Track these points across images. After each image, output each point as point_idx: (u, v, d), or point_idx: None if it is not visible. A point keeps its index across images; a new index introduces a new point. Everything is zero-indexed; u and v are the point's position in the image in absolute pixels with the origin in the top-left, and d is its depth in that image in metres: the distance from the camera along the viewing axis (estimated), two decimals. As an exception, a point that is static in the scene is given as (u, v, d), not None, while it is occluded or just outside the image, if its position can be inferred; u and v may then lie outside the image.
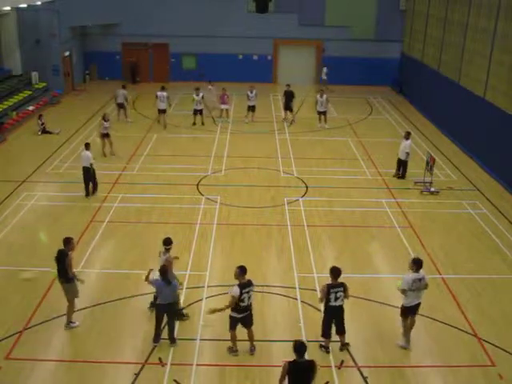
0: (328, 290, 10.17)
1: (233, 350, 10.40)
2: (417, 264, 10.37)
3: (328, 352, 10.46)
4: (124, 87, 25.06)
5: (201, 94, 24.38)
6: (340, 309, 10.35)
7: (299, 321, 11.35)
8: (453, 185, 18.91)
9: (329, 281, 10.35)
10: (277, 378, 9.65)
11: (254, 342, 10.46)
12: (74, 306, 11.00)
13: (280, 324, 11.23)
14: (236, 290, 9.83)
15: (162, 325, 10.55)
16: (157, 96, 24.01)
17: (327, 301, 10.23)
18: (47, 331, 10.90)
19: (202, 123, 24.75)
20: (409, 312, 10.50)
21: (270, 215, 16.23)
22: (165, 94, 23.90)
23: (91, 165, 16.92)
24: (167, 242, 11.15)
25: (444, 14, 26.09)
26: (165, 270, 10.31)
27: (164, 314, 10.45)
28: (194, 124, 24.69)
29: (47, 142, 22.27)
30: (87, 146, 17.16)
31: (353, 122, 26.36)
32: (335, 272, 10.28)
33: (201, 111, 24.56)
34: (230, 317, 10.18)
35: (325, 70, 32.32)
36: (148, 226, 15.37)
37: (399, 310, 10.67)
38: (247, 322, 10.28)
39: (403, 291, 10.35)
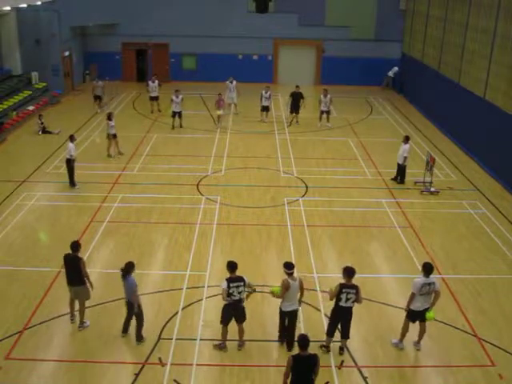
0: (340, 290, 10.09)
1: (221, 347, 10.41)
2: (426, 269, 10.29)
3: (328, 351, 10.47)
4: (100, 79, 26.83)
5: (180, 97, 23.81)
6: (349, 311, 10.27)
7: (299, 321, 11.34)
8: (453, 185, 18.91)
9: (340, 280, 10.33)
10: (277, 378, 9.71)
11: (247, 342, 10.54)
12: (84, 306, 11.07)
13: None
14: (224, 284, 10.08)
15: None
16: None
17: (337, 300, 10.18)
18: (47, 331, 10.91)
19: (181, 125, 24.39)
20: (415, 316, 10.42)
21: (270, 215, 16.23)
22: (156, 82, 26.37)
23: (71, 156, 17.51)
24: (290, 266, 10.15)
25: (444, 14, 26.09)
26: (127, 266, 10.27)
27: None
28: (173, 128, 24.15)
29: (47, 142, 22.28)
30: (71, 138, 17.76)
31: (353, 122, 26.36)
32: (348, 272, 10.15)
33: (179, 113, 24.14)
34: (223, 308, 10.26)
35: (396, 69, 32.72)
36: (148, 226, 15.38)
37: (405, 313, 10.56)
38: (239, 316, 10.32)
39: (412, 295, 10.27)
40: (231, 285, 10.03)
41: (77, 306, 11.05)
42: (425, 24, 29.04)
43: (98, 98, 26.65)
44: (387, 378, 9.96)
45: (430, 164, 18.12)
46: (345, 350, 10.56)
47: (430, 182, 18.18)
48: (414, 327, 10.63)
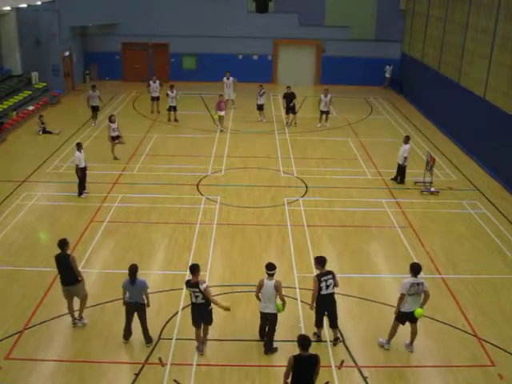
0: (319, 280, 10.35)
1: (198, 349, 10.42)
2: (413, 269, 10.29)
3: (319, 340, 10.60)
4: (95, 87, 24.52)
5: (175, 92, 24.88)
6: (332, 297, 10.47)
7: (299, 321, 11.36)
8: (453, 185, 18.91)
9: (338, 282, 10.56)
10: (277, 377, 9.71)
11: (207, 342, 10.56)
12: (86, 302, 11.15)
13: (280, 324, 11.17)
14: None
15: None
16: (149, 85, 26.35)
17: (319, 290, 10.39)
18: (47, 331, 10.91)
19: (176, 119, 25.34)
20: (404, 318, 10.43)
21: (269, 215, 16.23)
22: (157, 82, 26.31)
23: (77, 166, 16.83)
24: (271, 267, 10.23)
25: (444, 14, 26.09)
26: (132, 270, 10.25)
27: (132, 312, 10.45)
28: (169, 120, 25.30)
29: (47, 142, 22.28)
30: (78, 146, 17.00)
31: (353, 122, 26.36)
32: (319, 261, 10.49)
33: (175, 108, 25.11)
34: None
35: (388, 67, 32.91)
36: (148, 225, 15.37)
37: (394, 314, 10.60)
38: (203, 318, 10.30)
39: (402, 296, 10.30)
40: (187, 288, 10.12)
41: (76, 306, 11.06)
42: (425, 24, 29.03)
43: (95, 108, 24.39)
44: (387, 378, 9.96)
45: (430, 164, 18.11)
46: (339, 340, 10.68)
47: (430, 182, 18.17)
48: (405, 329, 10.63)
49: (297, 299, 12.10)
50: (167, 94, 24.93)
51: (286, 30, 32.95)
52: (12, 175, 18.68)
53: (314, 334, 10.78)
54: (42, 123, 23.31)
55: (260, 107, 25.76)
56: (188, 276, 12.76)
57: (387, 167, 19.87)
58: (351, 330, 11.06)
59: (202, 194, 17.52)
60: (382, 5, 32.71)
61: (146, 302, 10.44)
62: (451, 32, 25.14)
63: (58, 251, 10.84)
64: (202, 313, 10.21)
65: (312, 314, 11.21)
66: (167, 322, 11.23)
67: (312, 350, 8.46)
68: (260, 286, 10.31)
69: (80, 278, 10.90)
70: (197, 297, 10.06)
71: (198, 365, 10.12)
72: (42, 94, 28.58)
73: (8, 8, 24.47)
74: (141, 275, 10.45)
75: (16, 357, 10.16)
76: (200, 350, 10.40)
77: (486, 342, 10.91)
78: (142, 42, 33.37)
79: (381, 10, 32.73)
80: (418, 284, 10.22)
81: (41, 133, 23.20)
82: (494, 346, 10.78)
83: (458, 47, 24.18)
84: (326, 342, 10.79)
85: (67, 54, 30.67)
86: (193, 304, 10.20)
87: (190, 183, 18.34)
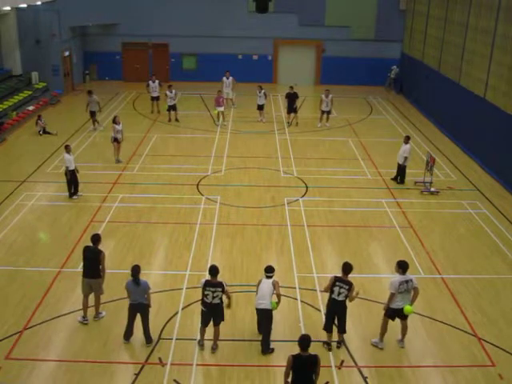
0: (334, 282, 10.34)
1: (199, 343, 10.49)
2: (402, 267, 10.37)
3: (330, 350, 10.53)
4: (91, 93, 23.61)
5: (174, 91, 24.99)
6: (341, 304, 10.42)
7: (299, 321, 11.36)
8: (453, 185, 18.91)
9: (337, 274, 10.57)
10: (277, 377, 9.72)
11: (208, 342, 10.56)
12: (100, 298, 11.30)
13: (280, 324, 11.23)
14: (202, 281, 10.34)
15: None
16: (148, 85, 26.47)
17: (331, 293, 10.40)
18: (47, 331, 10.91)
19: (176, 119, 25.37)
20: (394, 314, 10.49)
21: (269, 215, 16.23)
22: (156, 82, 26.34)
23: (67, 168, 16.59)
24: (270, 270, 10.44)
25: (444, 14, 26.09)
26: (135, 271, 10.33)
27: (135, 313, 10.50)
28: (170, 120, 25.31)
29: (47, 142, 22.27)
30: (67, 149, 16.73)
31: (353, 122, 26.36)
32: (345, 267, 10.43)
33: (174, 108, 25.18)
34: (201, 312, 10.44)
35: (394, 67, 32.79)
36: (148, 226, 15.38)
37: (383, 311, 10.66)
38: (215, 317, 10.34)
39: (392, 295, 10.35)
40: (207, 288, 10.16)
41: (90, 302, 11.21)
42: (425, 24, 29.03)
43: (91, 114, 23.82)
44: (387, 378, 9.96)
45: (430, 164, 18.11)
46: (342, 344, 10.65)
47: (430, 182, 18.17)
48: (398, 326, 10.71)
49: (297, 299, 12.10)
50: (166, 94, 24.96)
51: (285, 30, 32.93)
52: (12, 175, 18.68)
53: (324, 343, 10.62)
54: (43, 123, 23.29)
55: (260, 107, 25.79)
56: (188, 276, 12.86)
57: (387, 167, 19.87)
58: (351, 330, 11.04)
59: (202, 194, 17.51)
60: (382, 5, 32.69)
61: (148, 302, 10.49)
62: (451, 32, 25.13)
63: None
64: (215, 312, 10.27)
65: (311, 313, 11.25)
66: (167, 321, 11.24)
67: (312, 350, 8.47)
68: (258, 284, 10.43)
69: (103, 275, 11.17)
70: (215, 297, 10.13)
71: (198, 365, 10.13)
72: (42, 94, 28.56)
73: (8, 8, 24.45)
74: (141, 275, 10.46)
75: (16, 357, 10.16)
76: (201, 344, 10.46)
77: (486, 341, 10.92)
78: (141, 42, 33.39)
79: (381, 10, 32.72)
80: (406, 281, 10.30)
81: (41, 133, 23.20)
82: (494, 346, 10.79)
83: (458, 47, 24.17)
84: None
85: (67, 53, 30.66)
86: (207, 304, 10.21)
87: (190, 183, 18.34)
